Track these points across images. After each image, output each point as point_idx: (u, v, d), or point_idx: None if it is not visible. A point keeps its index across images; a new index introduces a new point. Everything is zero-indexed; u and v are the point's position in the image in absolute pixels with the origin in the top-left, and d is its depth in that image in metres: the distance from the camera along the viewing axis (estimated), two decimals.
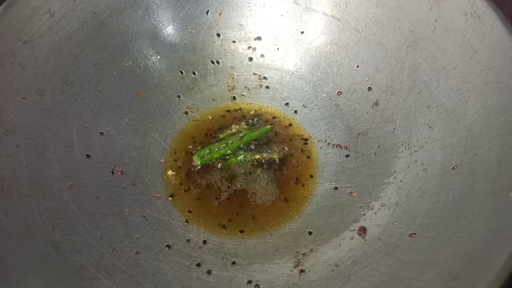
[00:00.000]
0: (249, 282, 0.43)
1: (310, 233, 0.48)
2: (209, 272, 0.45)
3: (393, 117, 0.51)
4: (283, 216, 0.50)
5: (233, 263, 0.46)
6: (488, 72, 0.43)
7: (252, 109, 0.60)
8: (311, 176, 0.53)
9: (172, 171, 0.54)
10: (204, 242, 0.48)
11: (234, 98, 0.60)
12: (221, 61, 0.61)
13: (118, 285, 0.41)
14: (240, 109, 0.60)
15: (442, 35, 0.48)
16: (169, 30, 0.60)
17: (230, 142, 0.55)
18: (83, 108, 0.53)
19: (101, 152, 0.52)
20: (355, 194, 0.50)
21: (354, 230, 0.46)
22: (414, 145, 0.48)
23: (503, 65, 0.42)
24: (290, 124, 0.58)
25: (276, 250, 0.47)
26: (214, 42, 0.61)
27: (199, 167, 0.54)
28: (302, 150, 0.55)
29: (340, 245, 0.45)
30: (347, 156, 0.53)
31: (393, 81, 0.52)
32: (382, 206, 0.47)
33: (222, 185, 0.53)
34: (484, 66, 0.44)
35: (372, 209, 0.47)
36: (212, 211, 0.51)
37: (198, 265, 0.45)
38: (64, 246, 0.42)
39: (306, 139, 0.56)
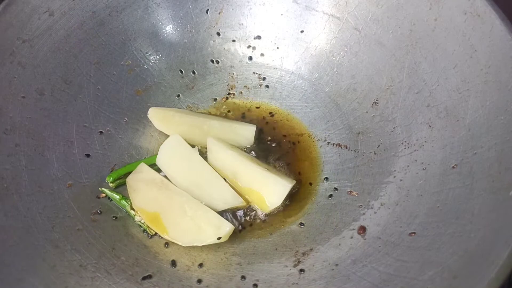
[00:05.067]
0: (249, 281, 0.43)
1: (301, 224, 0.49)
2: (209, 271, 0.45)
3: (392, 116, 0.51)
4: (283, 215, 0.50)
5: (233, 262, 0.46)
6: (488, 71, 0.43)
7: (250, 107, 0.59)
8: (310, 183, 0.53)
9: None
10: None
11: (234, 96, 0.60)
12: (221, 60, 0.61)
13: (118, 285, 0.41)
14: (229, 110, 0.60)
15: (442, 34, 0.48)
16: (169, 29, 0.59)
17: None
18: (83, 107, 0.53)
19: (101, 151, 0.52)
20: (355, 193, 0.50)
21: (354, 229, 0.46)
22: (414, 144, 0.48)
23: (503, 64, 0.42)
24: (290, 124, 0.58)
25: (276, 249, 0.47)
26: (213, 41, 0.61)
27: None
28: (301, 149, 0.55)
29: (339, 244, 0.45)
30: (346, 155, 0.53)
31: (392, 80, 0.52)
32: (382, 205, 0.47)
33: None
34: (484, 65, 0.44)
35: (372, 208, 0.47)
36: None
37: (200, 265, 0.45)
38: (63, 245, 0.42)
39: (305, 138, 0.56)
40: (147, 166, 0.51)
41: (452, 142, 0.44)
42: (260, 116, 0.59)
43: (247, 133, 0.55)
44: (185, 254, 0.46)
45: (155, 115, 0.55)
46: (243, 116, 0.58)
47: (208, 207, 0.48)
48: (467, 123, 0.44)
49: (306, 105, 0.58)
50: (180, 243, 0.46)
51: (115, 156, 0.53)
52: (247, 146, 0.55)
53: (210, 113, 0.59)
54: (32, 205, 0.43)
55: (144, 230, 0.47)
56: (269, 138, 0.56)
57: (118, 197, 0.49)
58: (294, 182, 0.51)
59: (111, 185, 0.50)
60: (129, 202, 0.48)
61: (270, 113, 0.59)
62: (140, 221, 0.47)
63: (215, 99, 0.60)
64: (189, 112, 0.57)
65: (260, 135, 0.56)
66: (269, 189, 0.49)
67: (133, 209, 0.48)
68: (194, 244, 0.46)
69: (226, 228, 0.46)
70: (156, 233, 0.47)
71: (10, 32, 0.48)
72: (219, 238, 0.45)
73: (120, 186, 0.51)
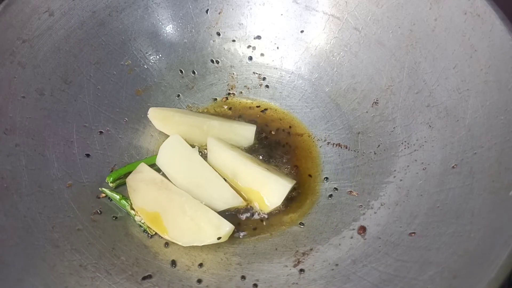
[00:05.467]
0: (249, 281, 0.43)
1: (301, 223, 0.49)
2: (209, 271, 0.45)
3: (392, 116, 0.51)
4: (283, 215, 0.50)
5: (233, 262, 0.46)
6: (488, 71, 0.43)
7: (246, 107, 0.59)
8: (310, 176, 0.53)
9: None
10: None
11: (234, 96, 0.60)
12: (221, 60, 0.61)
13: (118, 285, 0.41)
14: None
15: (442, 34, 0.48)
16: (169, 29, 0.60)
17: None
18: (83, 107, 0.53)
19: (101, 151, 0.52)
20: (355, 193, 0.50)
21: (353, 229, 0.46)
22: (414, 144, 0.48)
23: (503, 64, 0.42)
24: (290, 126, 0.58)
25: (276, 249, 0.47)
26: (213, 41, 0.61)
27: None
28: (301, 149, 0.55)
29: (339, 244, 0.45)
30: (346, 155, 0.53)
31: (392, 80, 0.52)
32: (382, 205, 0.47)
33: None
34: (484, 65, 0.44)
35: (371, 208, 0.47)
36: None
37: (200, 265, 0.45)
38: (64, 245, 0.42)
39: (305, 138, 0.56)
40: (147, 166, 0.51)
41: (452, 142, 0.44)
42: (260, 116, 0.59)
43: (247, 133, 0.55)
44: (185, 254, 0.46)
45: (155, 115, 0.55)
46: (243, 116, 0.58)
47: (208, 207, 0.48)
48: (467, 123, 0.44)
49: (306, 105, 0.58)
50: (180, 243, 0.46)
51: (115, 156, 0.53)
52: (247, 146, 0.55)
53: (209, 113, 0.59)
54: (32, 205, 0.43)
55: (144, 230, 0.47)
56: (269, 138, 0.56)
57: (118, 197, 0.49)
58: (294, 182, 0.51)
59: (111, 185, 0.50)
60: (129, 202, 0.48)
61: (264, 109, 0.59)
62: (140, 221, 0.47)
63: (215, 99, 0.60)
64: (189, 112, 0.57)
65: (260, 135, 0.56)
66: (269, 189, 0.49)
67: (133, 209, 0.48)
68: (194, 244, 0.46)
69: (226, 228, 0.46)
70: (156, 233, 0.47)
71: (10, 32, 0.48)
72: (219, 238, 0.45)
73: (120, 186, 0.51)
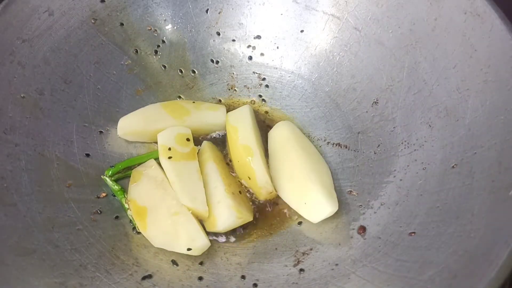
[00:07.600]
0: (249, 281, 0.44)
1: (300, 223, 0.49)
2: (209, 271, 0.45)
3: (392, 116, 0.51)
4: (283, 214, 0.50)
5: (233, 262, 0.46)
6: (488, 71, 0.43)
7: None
8: None
9: None
10: None
11: (234, 96, 0.60)
12: (221, 60, 0.61)
13: (118, 284, 0.41)
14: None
15: (442, 33, 0.48)
16: (169, 29, 0.59)
17: None
18: (83, 107, 0.53)
19: (101, 151, 0.52)
20: (354, 193, 0.50)
21: (353, 229, 0.46)
22: (414, 144, 0.48)
23: (502, 64, 0.42)
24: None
25: (276, 249, 0.47)
26: (213, 40, 0.61)
27: None
28: None
29: (339, 244, 0.45)
30: (346, 155, 0.53)
31: (392, 80, 0.52)
32: (381, 205, 0.47)
33: None
34: (484, 65, 0.44)
35: (371, 208, 0.47)
36: None
37: (200, 264, 0.45)
38: (63, 245, 0.42)
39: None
40: (156, 163, 0.51)
41: (452, 142, 0.44)
42: (261, 116, 0.59)
43: (218, 118, 0.56)
44: (185, 253, 0.46)
45: (123, 133, 0.54)
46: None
47: (195, 219, 0.46)
48: (467, 123, 0.44)
49: (306, 105, 0.58)
50: (152, 242, 0.45)
51: (115, 156, 0.53)
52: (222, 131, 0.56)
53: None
54: (32, 205, 0.44)
55: (134, 228, 0.47)
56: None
57: (117, 187, 0.49)
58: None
59: (110, 180, 0.50)
60: (126, 196, 0.49)
61: (266, 111, 0.59)
62: (131, 215, 0.47)
63: (215, 99, 0.60)
64: (151, 114, 0.55)
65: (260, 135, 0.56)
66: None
67: (127, 203, 0.48)
68: (164, 248, 0.45)
69: (199, 242, 0.44)
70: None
71: (10, 32, 0.48)
72: (189, 249, 0.44)
73: (119, 180, 0.51)
